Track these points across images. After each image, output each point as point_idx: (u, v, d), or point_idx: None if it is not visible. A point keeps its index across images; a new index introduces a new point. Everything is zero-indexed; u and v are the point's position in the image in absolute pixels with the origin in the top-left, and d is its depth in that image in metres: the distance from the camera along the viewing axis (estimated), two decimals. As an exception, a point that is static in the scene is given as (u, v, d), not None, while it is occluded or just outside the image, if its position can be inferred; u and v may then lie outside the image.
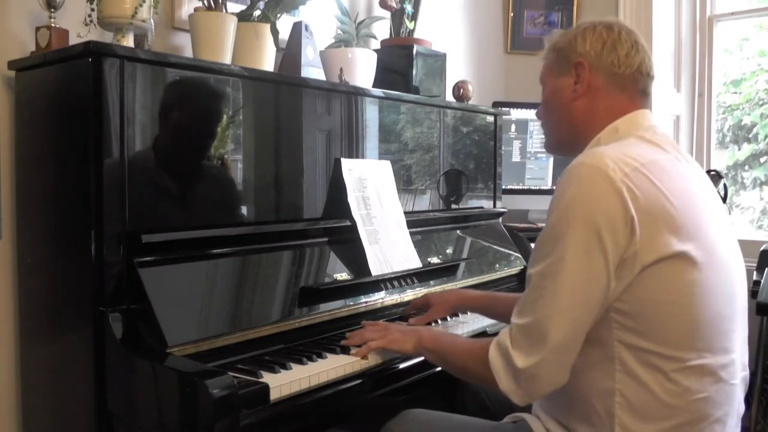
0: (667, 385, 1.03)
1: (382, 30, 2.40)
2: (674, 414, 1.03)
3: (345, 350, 1.44)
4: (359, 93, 1.91)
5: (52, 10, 1.48)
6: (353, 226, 1.74)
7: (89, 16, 1.49)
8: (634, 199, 1.01)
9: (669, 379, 1.03)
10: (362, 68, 2.03)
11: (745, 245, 2.81)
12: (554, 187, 1.11)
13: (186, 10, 1.85)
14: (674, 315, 1.03)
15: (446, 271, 1.98)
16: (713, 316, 1.06)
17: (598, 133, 1.20)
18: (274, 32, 1.75)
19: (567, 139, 1.26)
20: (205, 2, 1.69)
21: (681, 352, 1.03)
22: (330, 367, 1.34)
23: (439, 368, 1.43)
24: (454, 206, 2.30)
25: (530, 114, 2.80)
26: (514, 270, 2.27)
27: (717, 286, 1.07)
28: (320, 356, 1.39)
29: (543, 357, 1.04)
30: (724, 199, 2.61)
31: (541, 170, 2.88)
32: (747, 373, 1.16)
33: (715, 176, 2.60)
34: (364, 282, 1.70)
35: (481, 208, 2.41)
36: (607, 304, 1.04)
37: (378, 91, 1.97)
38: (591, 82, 1.21)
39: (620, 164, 1.04)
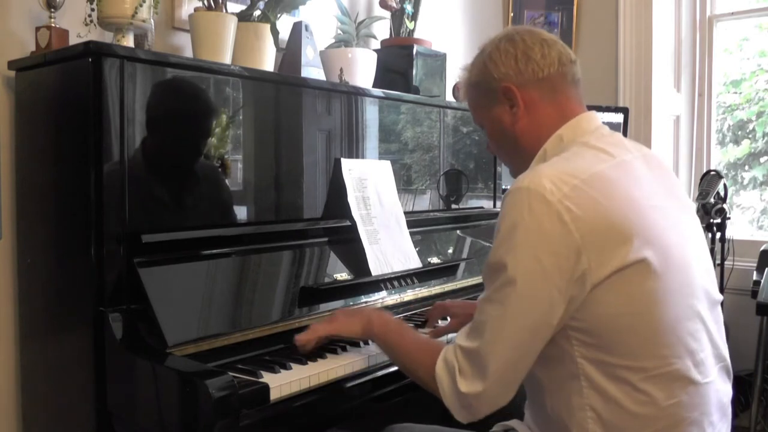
0: (636, 396, 1.01)
1: (382, 30, 2.40)
2: (647, 423, 1.02)
3: (345, 350, 1.44)
4: (359, 93, 1.91)
5: (52, 10, 1.48)
6: (353, 226, 1.74)
7: (89, 16, 1.49)
8: (575, 219, 0.98)
9: (637, 389, 1.01)
10: (362, 68, 2.03)
11: (745, 245, 2.84)
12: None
13: (186, 10, 1.85)
14: (634, 326, 1.01)
15: (446, 271, 1.98)
16: (675, 320, 1.03)
17: (544, 144, 1.17)
18: (274, 32, 1.75)
19: (525, 161, 1.20)
20: (205, 2, 1.69)
21: (646, 362, 1.01)
22: (330, 367, 1.34)
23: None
24: (454, 206, 2.30)
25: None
26: (514, 270, 2.27)
27: (675, 288, 1.04)
28: (320, 356, 1.39)
29: (485, 386, 1.04)
30: (724, 199, 2.61)
31: (541, 170, 2.87)
32: (726, 363, 1.14)
33: (715, 176, 2.60)
34: (364, 282, 1.70)
35: (481, 208, 2.41)
36: (558, 326, 1.02)
37: (378, 91, 1.97)
38: (526, 99, 1.17)
39: (559, 184, 1.01)
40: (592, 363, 1.02)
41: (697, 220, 1.21)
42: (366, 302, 1.69)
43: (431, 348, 1.17)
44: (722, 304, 1.17)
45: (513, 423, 1.25)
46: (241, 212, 1.58)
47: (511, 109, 1.19)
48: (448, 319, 1.65)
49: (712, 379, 1.08)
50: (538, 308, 1.01)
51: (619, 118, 2.82)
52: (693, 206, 1.22)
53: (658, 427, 1.02)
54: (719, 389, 1.11)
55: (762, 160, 3.14)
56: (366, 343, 1.48)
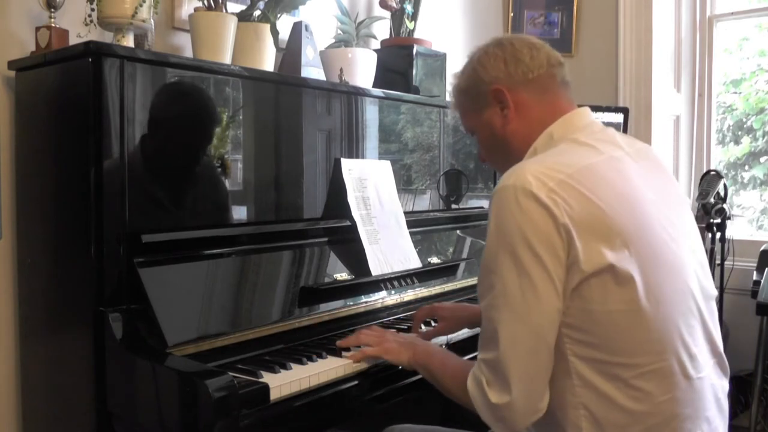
0: (630, 392, 1.01)
1: (382, 30, 2.40)
2: (641, 419, 1.02)
3: (346, 350, 1.44)
4: (359, 93, 1.91)
5: (52, 10, 1.48)
6: (353, 226, 1.74)
7: (89, 16, 1.49)
8: (563, 213, 0.99)
9: (630, 386, 1.01)
10: (362, 68, 2.03)
11: (745, 245, 2.84)
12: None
13: (186, 10, 1.85)
14: (624, 324, 1.00)
15: (446, 271, 1.98)
16: (668, 317, 1.03)
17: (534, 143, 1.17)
18: (274, 32, 1.75)
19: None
20: (205, 2, 1.69)
21: (639, 359, 1.01)
22: (330, 368, 1.34)
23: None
24: (454, 206, 2.30)
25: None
26: (514, 270, 2.27)
27: (667, 285, 1.04)
28: (320, 356, 1.39)
29: (513, 394, 1.02)
30: (724, 199, 2.60)
31: (541, 170, 2.87)
32: (721, 358, 1.14)
33: (715, 176, 2.60)
34: (364, 282, 1.70)
35: (481, 208, 2.41)
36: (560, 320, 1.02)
37: (378, 91, 1.97)
38: (516, 101, 1.18)
39: (544, 179, 1.01)
40: (584, 361, 1.02)
41: (691, 215, 1.20)
42: (366, 302, 1.69)
43: (466, 368, 1.16)
44: (722, 304, 1.16)
45: None
46: (241, 212, 1.58)
47: (501, 111, 1.20)
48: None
49: (706, 373, 1.08)
50: (541, 303, 1.00)
51: (619, 118, 2.82)
52: (687, 201, 1.22)
53: (652, 423, 1.02)
54: (714, 384, 1.11)
55: (762, 159, 3.14)
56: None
